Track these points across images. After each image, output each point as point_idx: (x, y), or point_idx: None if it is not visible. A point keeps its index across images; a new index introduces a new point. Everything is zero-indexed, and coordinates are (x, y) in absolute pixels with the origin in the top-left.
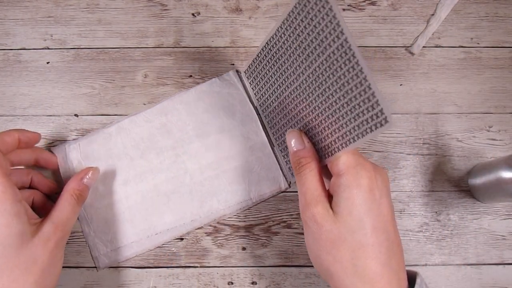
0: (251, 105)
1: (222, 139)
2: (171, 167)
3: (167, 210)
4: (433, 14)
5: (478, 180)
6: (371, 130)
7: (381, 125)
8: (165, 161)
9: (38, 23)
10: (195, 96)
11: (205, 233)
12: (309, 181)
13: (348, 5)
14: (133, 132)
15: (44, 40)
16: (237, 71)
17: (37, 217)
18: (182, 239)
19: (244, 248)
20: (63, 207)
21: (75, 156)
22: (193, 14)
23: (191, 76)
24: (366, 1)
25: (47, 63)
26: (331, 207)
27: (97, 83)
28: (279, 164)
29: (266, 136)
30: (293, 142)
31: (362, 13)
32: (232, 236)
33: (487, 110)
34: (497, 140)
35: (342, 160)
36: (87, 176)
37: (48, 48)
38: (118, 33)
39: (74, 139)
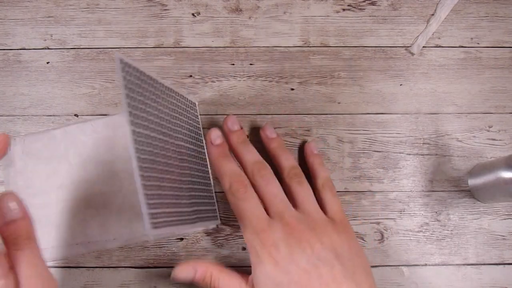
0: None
1: None
2: (107, 182)
3: (93, 223)
4: (433, 14)
5: (478, 180)
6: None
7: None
8: (103, 175)
9: (38, 23)
10: None
11: (205, 233)
12: (225, 280)
13: (348, 5)
14: (78, 139)
15: (44, 40)
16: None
17: None
18: (182, 239)
19: (244, 248)
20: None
21: (18, 150)
22: (193, 14)
23: (191, 76)
24: (366, 1)
25: (47, 63)
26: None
27: (97, 83)
28: None
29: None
30: (185, 275)
31: (362, 13)
32: (232, 236)
33: (487, 110)
34: (497, 140)
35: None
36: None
37: (48, 48)
38: (118, 33)
39: (22, 135)
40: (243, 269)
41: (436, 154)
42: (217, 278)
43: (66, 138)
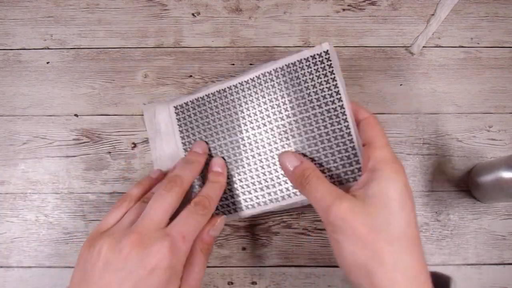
0: None
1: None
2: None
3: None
4: (433, 14)
5: (478, 180)
6: (346, 181)
7: (354, 179)
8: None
9: (38, 23)
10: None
11: None
12: (322, 186)
13: (348, 5)
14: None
15: (44, 40)
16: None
17: None
18: None
19: (244, 248)
20: (197, 268)
21: (162, 119)
22: (193, 14)
23: (191, 76)
24: (366, 1)
25: (47, 63)
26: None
27: (97, 83)
28: None
29: None
30: (288, 162)
31: (362, 13)
32: (232, 236)
33: (487, 110)
34: (497, 140)
35: (379, 155)
36: (214, 227)
37: (48, 48)
38: (118, 33)
39: (168, 100)
40: (243, 269)
41: (436, 154)
42: (315, 180)
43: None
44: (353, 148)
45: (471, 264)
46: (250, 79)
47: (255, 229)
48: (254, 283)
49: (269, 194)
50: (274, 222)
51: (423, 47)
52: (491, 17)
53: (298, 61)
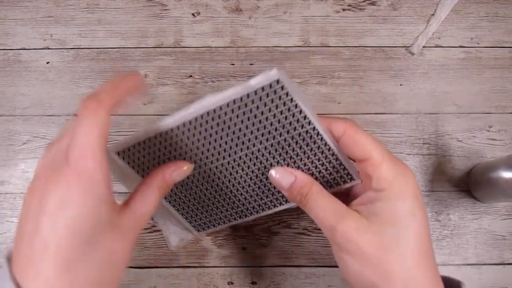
0: None
1: None
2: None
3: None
4: (433, 14)
5: (478, 180)
6: (337, 184)
7: (345, 181)
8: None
9: (38, 23)
10: None
11: (205, 233)
12: (323, 203)
13: (348, 5)
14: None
15: (44, 40)
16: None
17: (115, 201)
18: (181, 239)
19: (244, 248)
20: (148, 200)
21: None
22: (193, 14)
23: (191, 76)
24: (366, 1)
25: (47, 63)
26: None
27: (97, 83)
28: None
29: None
30: (282, 179)
31: (362, 13)
32: (232, 236)
33: (487, 110)
34: (497, 140)
35: (380, 175)
36: (179, 171)
37: (48, 48)
38: (118, 33)
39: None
40: (243, 269)
41: (436, 154)
42: (315, 197)
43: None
44: (337, 159)
45: (471, 264)
46: (194, 118)
47: (255, 229)
48: (254, 283)
49: (258, 204)
50: (274, 222)
51: (423, 47)
52: (491, 17)
53: (245, 96)
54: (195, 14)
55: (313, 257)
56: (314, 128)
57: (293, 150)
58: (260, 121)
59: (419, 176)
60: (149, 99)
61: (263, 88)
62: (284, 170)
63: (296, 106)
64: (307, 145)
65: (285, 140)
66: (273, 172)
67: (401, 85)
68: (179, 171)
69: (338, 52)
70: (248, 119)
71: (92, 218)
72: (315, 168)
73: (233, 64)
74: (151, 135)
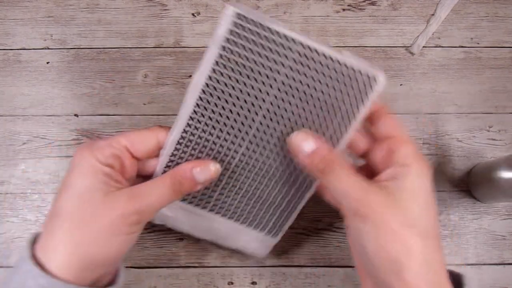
0: None
1: None
2: None
3: None
4: (433, 14)
5: (478, 180)
6: (366, 96)
7: (372, 86)
8: None
9: (38, 23)
10: None
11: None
12: (347, 176)
13: (348, 5)
14: None
15: (44, 40)
16: None
17: (124, 183)
18: (182, 239)
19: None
20: (154, 186)
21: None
22: (193, 14)
23: (191, 76)
24: (366, 1)
25: (47, 63)
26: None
27: (97, 83)
28: None
29: None
30: (305, 143)
31: (362, 13)
32: None
33: (487, 110)
34: (497, 140)
35: (406, 151)
36: (199, 168)
37: (48, 48)
38: (118, 33)
39: None
40: (243, 269)
41: (436, 154)
42: (340, 168)
43: None
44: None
45: (471, 264)
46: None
47: None
48: (254, 283)
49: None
50: None
51: (423, 47)
52: (491, 17)
53: (221, 50)
54: (195, 14)
55: (313, 257)
56: (310, 48)
57: (304, 94)
58: (258, 71)
59: None
60: (149, 99)
61: (231, 32)
62: (310, 134)
63: (276, 32)
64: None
65: (294, 82)
66: (294, 136)
67: (401, 85)
68: (203, 169)
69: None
70: (241, 74)
71: (90, 190)
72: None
73: None
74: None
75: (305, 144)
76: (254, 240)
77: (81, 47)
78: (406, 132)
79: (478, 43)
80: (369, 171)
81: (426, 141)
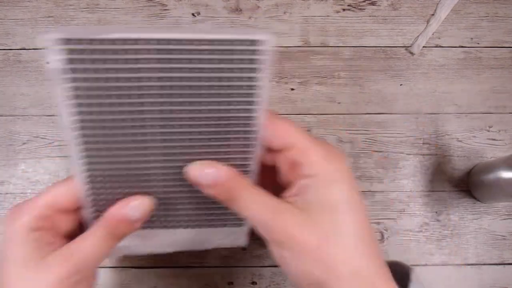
0: None
1: None
2: None
3: None
4: (433, 14)
5: (478, 180)
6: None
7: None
8: None
9: (38, 23)
10: None
11: None
12: (256, 197)
13: (348, 5)
14: None
15: None
16: None
17: (59, 242)
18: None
19: (244, 248)
20: (87, 239)
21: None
22: (193, 14)
23: None
24: (366, 1)
25: (47, 63)
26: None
27: None
28: None
29: None
30: (202, 176)
31: (362, 13)
32: None
33: (487, 110)
34: (497, 140)
35: (309, 160)
36: (130, 205)
37: None
38: None
39: None
40: (243, 269)
41: (436, 154)
42: (245, 192)
43: None
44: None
45: (471, 264)
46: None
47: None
48: (254, 283)
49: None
50: None
51: (423, 47)
52: (491, 17)
53: (214, 41)
54: (195, 14)
55: None
56: (253, 108)
57: (219, 125)
58: (205, 78)
59: (419, 176)
60: None
61: (240, 41)
62: (203, 163)
63: (254, 78)
64: (236, 125)
65: (218, 108)
66: (189, 170)
67: (401, 85)
68: (133, 205)
69: (338, 52)
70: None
71: (24, 260)
72: (232, 155)
73: None
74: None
75: (202, 176)
76: (225, 235)
77: None
78: (305, 134)
79: (478, 43)
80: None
81: (426, 141)
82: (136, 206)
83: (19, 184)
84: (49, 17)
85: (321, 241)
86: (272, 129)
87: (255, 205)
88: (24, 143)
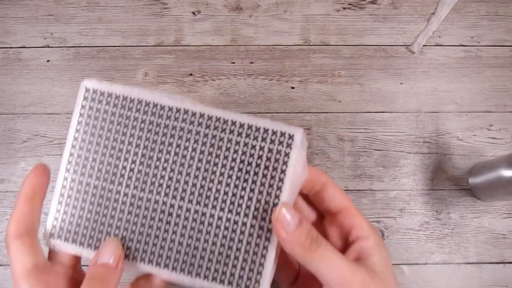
0: None
1: None
2: None
3: None
4: (433, 13)
5: (478, 179)
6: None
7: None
8: None
9: (38, 22)
10: None
11: None
12: (334, 253)
13: (348, 4)
14: None
15: (45, 38)
16: None
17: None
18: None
19: None
20: None
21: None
22: (193, 13)
23: (191, 74)
24: (367, 0)
25: (47, 61)
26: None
27: None
28: None
29: None
30: (288, 217)
31: (363, 12)
32: None
33: (487, 108)
34: (497, 138)
35: (361, 224)
36: (101, 255)
37: (49, 47)
38: (118, 32)
39: None
40: None
41: (437, 153)
42: (325, 242)
43: None
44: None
45: (472, 263)
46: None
47: None
48: None
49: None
50: None
51: (424, 45)
52: (491, 16)
53: (252, 126)
54: (196, 13)
55: None
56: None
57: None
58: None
59: (420, 175)
60: None
61: (274, 132)
62: (289, 206)
63: (284, 168)
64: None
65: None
66: (281, 208)
67: (401, 83)
68: (102, 251)
69: (339, 51)
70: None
71: None
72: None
73: (233, 63)
74: (153, 100)
75: (289, 218)
76: None
77: (82, 45)
78: (350, 201)
79: (478, 42)
80: None
81: (427, 139)
82: (106, 252)
83: (19, 182)
84: (49, 15)
85: None
86: (334, 191)
87: (335, 258)
88: (24, 141)
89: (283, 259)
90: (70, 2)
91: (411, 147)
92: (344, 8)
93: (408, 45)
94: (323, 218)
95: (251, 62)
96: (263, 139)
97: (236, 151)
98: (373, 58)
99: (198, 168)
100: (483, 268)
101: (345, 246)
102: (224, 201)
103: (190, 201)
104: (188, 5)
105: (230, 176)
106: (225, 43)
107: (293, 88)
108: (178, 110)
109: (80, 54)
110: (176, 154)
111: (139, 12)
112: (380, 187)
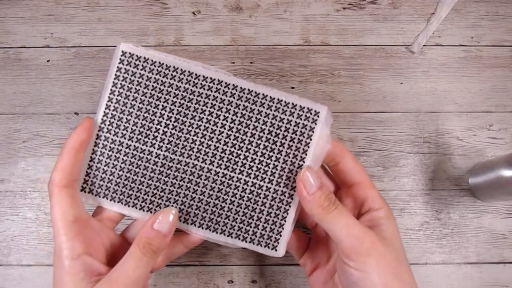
0: None
1: None
2: None
3: None
4: (433, 13)
5: (478, 179)
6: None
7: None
8: None
9: (38, 21)
10: None
11: None
12: (349, 216)
13: (348, 4)
14: None
15: (45, 38)
16: None
17: (104, 271)
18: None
19: (244, 248)
20: (125, 262)
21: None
22: (193, 13)
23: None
24: (367, 0)
25: (48, 61)
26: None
27: (98, 81)
28: None
29: None
30: (311, 179)
31: (363, 12)
32: None
33: (487, 108)
34: (497, 138)
35: (373, 196)
36: (158, 220)
37: (49, 47)
38: (118, 32)
39: None
40: (243, 267)
41: (437, 153)
42: (342, 209)
43: None
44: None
45: (472, 263)
46: (249, 90)
47: None
48: (254, 281)
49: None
50: None
51: (424, 45)
52: (491, 16)
53: (282, 100)
54: (196, 13)
55: None
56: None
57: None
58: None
59: (420, 175)
60: None
61: (301, 108)
62: (312, 169)
63: (308, 141)
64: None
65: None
66: (303, 171)
67: (401, 83)
68: (161, 219)
69: (339, 51)
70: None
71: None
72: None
73: (234, 63)
74: (187, 68)
75: (312, 180)
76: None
77: (82, 45)
78: (366, 175)
79: (478, 42)
80: None
81: (427, 139)
82: (163, 220)
83: (19, 182)
84: (49, 15)
85: (398, 261)
86: (354, 165)
87: (350, 220)
88: (24, 141)
89: (297, 235)
90: (70, 2)
91: (411, 147)
92: (344, 8)
93: (408, 45)
94: (338, 189)
95: (251, 62)
96: (291, 114)
97: (265, 123)
98: (373, 58)
99: (228, 136)
100: (483, 268)
101: (358, 216)
102: (251, 167)
103: (219, 165)
104: (188, 5)
105: (258, 145)
106: (225, 43)
107: (293, 88)
108: (212, 80)
109: (80, 54)
110: (208, 121)
111: (139, 12)
112: (380, 187)
